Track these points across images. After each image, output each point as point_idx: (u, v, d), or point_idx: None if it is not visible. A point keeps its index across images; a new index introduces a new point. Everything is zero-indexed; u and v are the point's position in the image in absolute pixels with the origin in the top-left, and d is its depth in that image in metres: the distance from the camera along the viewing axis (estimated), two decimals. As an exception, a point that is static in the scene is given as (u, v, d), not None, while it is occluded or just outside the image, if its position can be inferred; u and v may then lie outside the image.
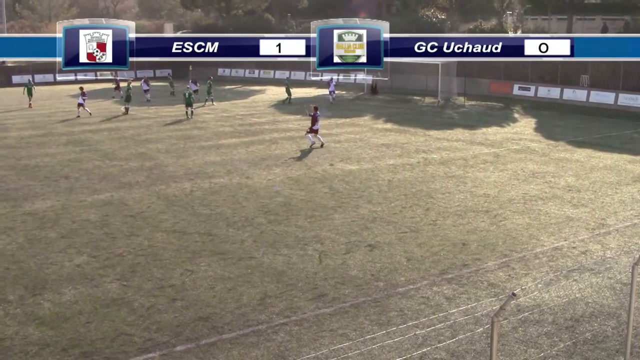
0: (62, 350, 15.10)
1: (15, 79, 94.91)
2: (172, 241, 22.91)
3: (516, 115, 57.69)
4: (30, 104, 64.06)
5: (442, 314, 16.79)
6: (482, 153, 38.85)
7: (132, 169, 34.86)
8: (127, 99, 58.70)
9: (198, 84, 68.38)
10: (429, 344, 15.15)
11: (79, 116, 55.90)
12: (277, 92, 74.86)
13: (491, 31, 78.16)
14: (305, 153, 38.91)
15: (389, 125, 51.01)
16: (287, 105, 64.89)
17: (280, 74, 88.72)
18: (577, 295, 17.98)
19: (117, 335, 15.89)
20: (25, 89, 65.83)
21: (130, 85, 60.49)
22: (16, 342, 15.54)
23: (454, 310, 17.07)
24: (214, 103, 65.98)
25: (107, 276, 19.71)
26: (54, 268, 20.35)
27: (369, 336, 15.65)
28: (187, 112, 55.85)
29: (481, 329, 15.56)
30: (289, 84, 68.94)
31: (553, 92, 67.00)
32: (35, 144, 42.78)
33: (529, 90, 69.20)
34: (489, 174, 33.16)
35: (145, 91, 68.75)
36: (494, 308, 16.20)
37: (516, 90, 70.46)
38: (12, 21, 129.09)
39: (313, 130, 41.49)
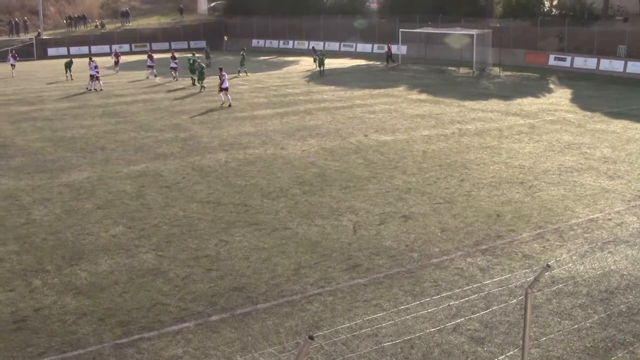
0: (98, 320, 15.29)
1: (51, 51, 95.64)
2: (207, 212, 23.05)
3: (552, 86, 57.18)
4: (71, 77, 64.28)
5: (476, 285, 16.78)
6: (517, 124, 38.61)
7: (167, 140, 35.05)
8: (192, 72, 58.28)
9: (177, 62, 64.72)
10: (463, 315, 15.15)
11: (101, 89, 55.98)
12: (312, 63, 74.67)
13: None
14: (338, 124, 38.90)
15: (423, 96, 50.81)
16: (321, 77, 64.76)
17: (314, 45, 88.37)
18: (612, 268, 17.88)
19: (153, 305, 16.05)
20: (65, 64, 65.92)
21: (195, 58, 59.79)
22: (54, 311, 15.76)
23: (488, 282, 17.03)
24: (248, 74, 66.02)
25: (143, 246, 19.90)
26: (91, 238, 20.58)
27: (402, 307, 15.67)
28: (201, 85, 56.09)
29: (515, 300, 15.53)
30: (318, 55, 68.67)
31: (589, 63, 66.15)
32: (71, 116, 43.13)
33: (565, 61, 68.41)
34: (524, 145, 32.96)
35: (149, 67, 65.94)
36: (528, 279, 16.17)
37: (552, 60, 69.71)
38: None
39: (222, 89, 46.88)
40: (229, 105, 46.25)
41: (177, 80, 62.23)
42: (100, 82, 56.69)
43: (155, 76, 64.37)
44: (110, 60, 75.51)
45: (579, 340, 14.06)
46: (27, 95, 54.06)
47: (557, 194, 24.75)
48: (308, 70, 71.07)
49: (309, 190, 25.57)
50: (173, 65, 63.04)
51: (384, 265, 18.33)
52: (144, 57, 70.41)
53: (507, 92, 52.84)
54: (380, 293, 16.59)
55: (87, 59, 59.13)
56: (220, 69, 47.90)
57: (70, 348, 14.07)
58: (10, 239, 20.67)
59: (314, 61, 73.60)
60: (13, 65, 70.68)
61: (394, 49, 77.07)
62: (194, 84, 57.88)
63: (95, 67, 56.24)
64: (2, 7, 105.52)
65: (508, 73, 66.08)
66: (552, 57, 69.87)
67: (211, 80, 55.64)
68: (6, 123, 41.06)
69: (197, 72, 56.20)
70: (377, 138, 34.79)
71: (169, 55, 68.19)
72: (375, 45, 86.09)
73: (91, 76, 56.42)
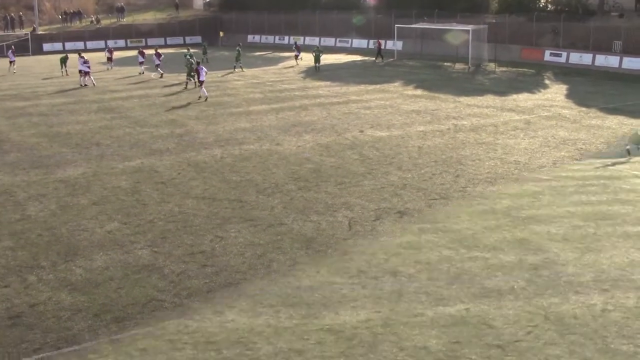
0: (94, 316, 15.28)
1: (46, 47, 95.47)
2: (203, 208, 23.04)
3: (547, 82, 57.22)
4: (66, 72, 63.94)
5: (471, 281, 16.84)
6: (512, 120, 38.64)
7: (163, 135, 35.01)
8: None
9: (161, 58, 63.84)
10: (458, 311, 15.19)
11: (94, 84, 55.65)
12: (307, 59, 74.46)
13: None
14: (333, 119, 38.90)
15: (419, 92, 50.81)
16: (317, 72, 64.67)
17: (310, 40, 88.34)
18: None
19: (148, 300, 16.04)
20: (60, 59, 65.60)
21: (190, 53, 58.68)
22: (49, 307, 15.75)
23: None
24: (244, 70, 65.95)
25: (138, 242, 19.89)
26: (86, 234, 20.56)
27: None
28: (187, 81, 55.14)
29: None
30: (314, 50, 68.35)
31: (585, 59, 66.10)
32: (67, 112, 43.04)
33: (561, 57, 68.36)
34: (520, 140, 32.99)
35: (140, 63, 64.93)
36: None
37: (547, 56, 69.65)
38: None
39: (201, 82, 48.71)
40: (199, 98, 47.55)
41: (162, 73, 61.86)
42: (92, 77, 56.47)
43: (142, 73, 64.07)
44: (104, 55, 75.21)
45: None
46: (23, 90, 53.93)
47: (553, 190, 24.79)
48: (292, 66, 70.90)
49: (305, 186, 25.57)
50: (157, 62, 62.54)
51: (380, 261, 18.35)
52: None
53: (503, 88, 52.89)
54: (376, 289, 16.61)
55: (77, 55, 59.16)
56: (198, 63, 51.71)
57: (65, 344, 14.07)
58: (5, 234, 20.64)
59: (295, 58, 73.32)
60: (12, 62, 70.37)
61: (390, 44, 77.02)
62: (193, 80, 57.56)
63: (85, 62, 56.12)
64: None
65: (504, 69, 66.10)
66: (547, 52, 69.82)
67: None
68: (1, 118, 40.96)
69: (187, 67, 55.74)
70: (372, 134, 34.79)
71: (161, 51, 67.50)
72: (371, 41, 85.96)
73: (80, 71, 56.31)
